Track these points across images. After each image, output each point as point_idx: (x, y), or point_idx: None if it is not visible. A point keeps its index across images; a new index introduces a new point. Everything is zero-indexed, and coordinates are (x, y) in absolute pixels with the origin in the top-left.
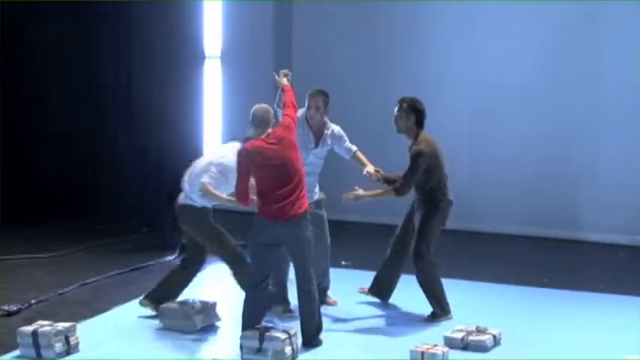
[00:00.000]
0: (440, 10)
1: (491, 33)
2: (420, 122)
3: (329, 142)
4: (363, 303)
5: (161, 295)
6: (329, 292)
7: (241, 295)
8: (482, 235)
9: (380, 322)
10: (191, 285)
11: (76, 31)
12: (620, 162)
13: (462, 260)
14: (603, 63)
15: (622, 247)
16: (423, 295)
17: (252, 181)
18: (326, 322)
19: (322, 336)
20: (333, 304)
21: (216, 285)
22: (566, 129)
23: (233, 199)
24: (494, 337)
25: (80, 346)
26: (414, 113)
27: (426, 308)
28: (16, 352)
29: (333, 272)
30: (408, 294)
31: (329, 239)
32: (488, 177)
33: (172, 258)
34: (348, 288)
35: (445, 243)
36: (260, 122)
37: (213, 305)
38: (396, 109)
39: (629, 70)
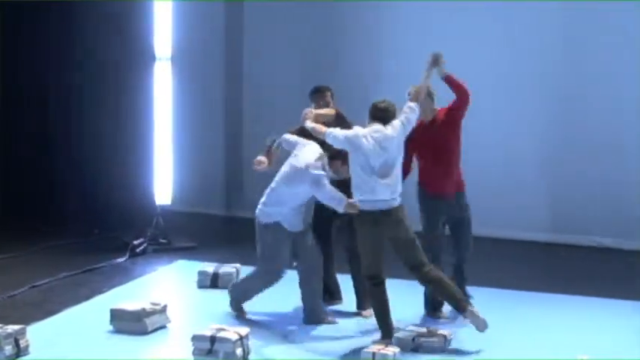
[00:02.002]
0: (393, 10)
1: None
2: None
3: None
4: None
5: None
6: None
7: (190, 297)
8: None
9: (334, 324)
10: (141, 287)
11: (21, 32)
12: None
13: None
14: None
15: (568, 247)
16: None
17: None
18: (276, 324)
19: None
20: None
21: (166, 287)
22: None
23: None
24: (445, 337)
25: (30, 349)
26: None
27: None
28: None
29: (287, 274)
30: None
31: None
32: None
33: (124, 260)
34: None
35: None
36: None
37: (164, 307)
38: None
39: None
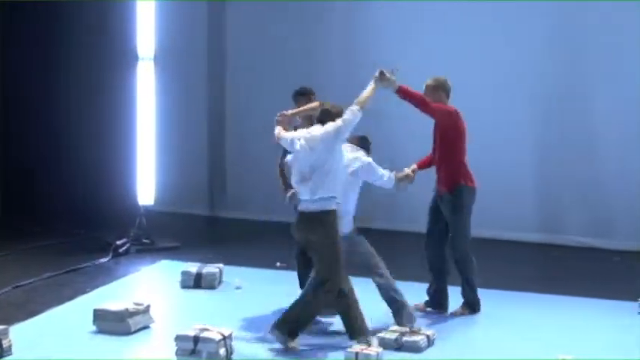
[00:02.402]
0: (376, 9)
1: (424, 32)
2: None
3: None
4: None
5: None
6: None
7: (173, 297)
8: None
9: (317, 324)
10: (124, 287)
11: (4, 32)
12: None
13: (401, 261)
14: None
15: (553, 247)
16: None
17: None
18: (260, 325)
19: None
20: None
21: (149, 287)
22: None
23: None
24: (428, 337)
25: (13, 349)
26: None
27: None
28: None
29: (270, 274)
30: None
31: None
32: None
33: (107, 260)
34: (283, 290)
35: (375, 242)
36: None
37: (147, 307)
38: None
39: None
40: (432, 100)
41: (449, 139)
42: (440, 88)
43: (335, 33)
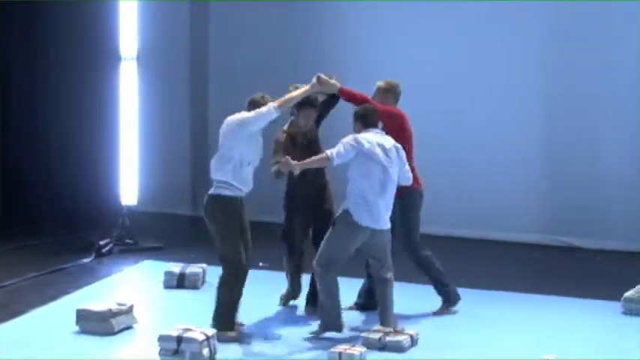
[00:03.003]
0: (363, 9)
1: (409, 35)
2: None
3: None
4: (281, 305)
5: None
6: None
7: (156, 297)
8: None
9: (298, 324)
10: (107, 288)
11: None
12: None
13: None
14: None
15: (538, 247)
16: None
17: None
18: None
19: None
20: None
21: (132, 287)
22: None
23: None
24: (412, 337)
25: None
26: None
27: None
28: None
29: (252, 274)
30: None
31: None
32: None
33: (90, 260)
34: (265, 290)
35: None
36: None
37: (130, 308)
38: None
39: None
40: (379, 102)
41: (401, 141)
42: (390, 91)
43: (320, 34)
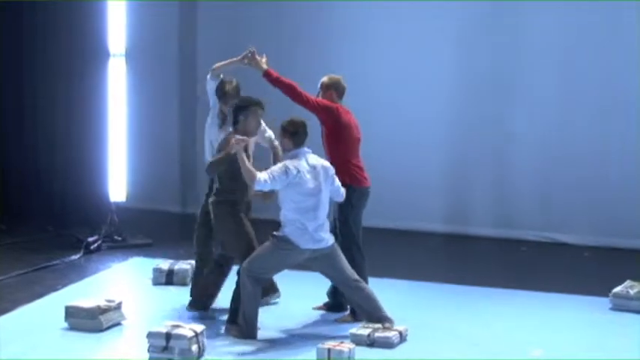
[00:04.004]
0: (348, 10)
1: (392, 35)
2: None
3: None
4: (268, 302)
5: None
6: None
7: (145, 294)
8: (394, 231)
9: (286, 320)
10: (96, 284)
11: None
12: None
13: (371, 257)
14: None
15: (523, 242)
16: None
17: None
18: None
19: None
20: None
21: (121, 284)
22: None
23: None
24: (401, 333)
25: None
26: None
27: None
28: None
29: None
30: (314, 292)
31: None
32: (401, 176)
33: (78, 257)
34: None
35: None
36: None
37: (119, 304)
38: None
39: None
40: (323, 99)
41: (331, 136)
42: (332, 87)
43: (308, 34)
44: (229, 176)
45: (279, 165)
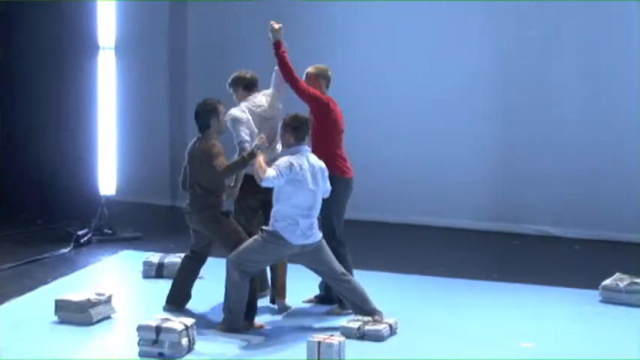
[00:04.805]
0: (336, 9)
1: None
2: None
3: None
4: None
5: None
6: None
7: (135, 287)
8: (383, 225)
9: (276, 313)
10: (86, 278)
11: None
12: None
13: (362, 250)
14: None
15: (514, 236)
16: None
17: None
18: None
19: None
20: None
21: (111, 277)
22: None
23: None
24: (391, 326)
25: None
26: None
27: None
28: None
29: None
30: (304, 285)
31: None
32: (387, 170)
33: (68, 250)
34: None
35: (348, 232)
36: None
37: (109, 298)
38: None
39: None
40: (314, 87)
41: (319, 127)
42: (320, 77)
43: (296, 30)
44: (217, 180)
45: (284, 160)
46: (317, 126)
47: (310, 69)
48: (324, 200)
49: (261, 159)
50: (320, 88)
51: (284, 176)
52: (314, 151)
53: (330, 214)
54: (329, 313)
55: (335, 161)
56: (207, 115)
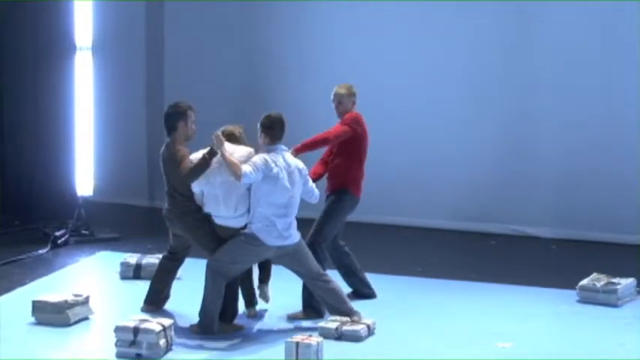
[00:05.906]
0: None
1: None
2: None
3: None
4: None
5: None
6: None
7: (112, 288)
8: (360, 225)
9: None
10: (63, 279)
11: None
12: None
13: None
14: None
15: (492, 236)
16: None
17: None
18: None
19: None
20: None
21: (88, 278)
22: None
23: None
24: (369, 326)
25: None
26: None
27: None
28: None
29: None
30: (282, 286)
31: None
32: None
33: (45, 251)
34: None
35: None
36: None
37: (86, 299)
38: None
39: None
40: (346, 108)
41: (352, 145)
42: (353, 95)
43: (274, 30)
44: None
45: (259, 156)
46: (351, 142)
47: (340, 90)
48: (324, 210)
49: (231, 157)
50: (352, 106)
51: (260, 171)
52: (335, 166)
53: (326, 223)
54: (291, 316)
55: (355, 177)
56: (175, 117)
